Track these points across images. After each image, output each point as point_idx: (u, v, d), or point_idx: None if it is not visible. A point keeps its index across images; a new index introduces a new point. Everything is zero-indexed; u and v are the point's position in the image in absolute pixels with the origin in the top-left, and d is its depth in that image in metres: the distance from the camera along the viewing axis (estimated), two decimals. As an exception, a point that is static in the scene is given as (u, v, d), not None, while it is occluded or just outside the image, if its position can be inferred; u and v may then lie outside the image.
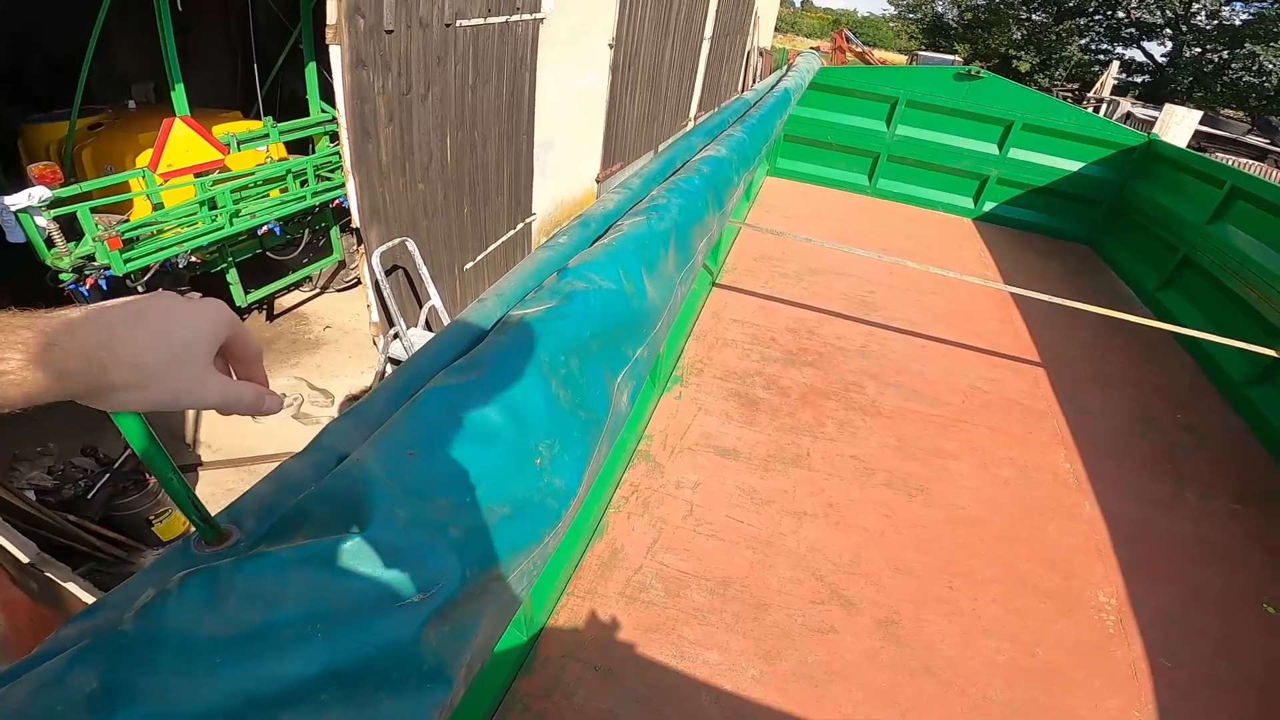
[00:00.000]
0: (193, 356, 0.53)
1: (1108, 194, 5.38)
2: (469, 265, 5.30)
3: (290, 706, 0.55)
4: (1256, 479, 2.73)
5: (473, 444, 0.84)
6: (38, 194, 3.90)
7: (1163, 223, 4.57)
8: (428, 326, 4.72)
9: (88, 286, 4.19)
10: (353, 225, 4.00)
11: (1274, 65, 23.03)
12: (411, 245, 4.39)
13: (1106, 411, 3.03)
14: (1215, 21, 25.66)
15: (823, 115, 5.81)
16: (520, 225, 6.01)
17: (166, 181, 4.72)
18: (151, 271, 4.60)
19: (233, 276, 5.43)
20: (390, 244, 4.21)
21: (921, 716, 1.61)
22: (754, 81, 13.88)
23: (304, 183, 5.65)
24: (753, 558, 1.99)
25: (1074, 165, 5.44)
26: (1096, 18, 28.39)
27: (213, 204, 4.89)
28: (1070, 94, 25.41)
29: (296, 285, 6.40)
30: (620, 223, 1.60)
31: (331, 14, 3.35)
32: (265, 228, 5.29)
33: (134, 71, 6.26)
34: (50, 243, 4.03)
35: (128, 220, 4.54)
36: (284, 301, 6.57)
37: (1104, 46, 29.31)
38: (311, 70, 6.11)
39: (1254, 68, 24.02)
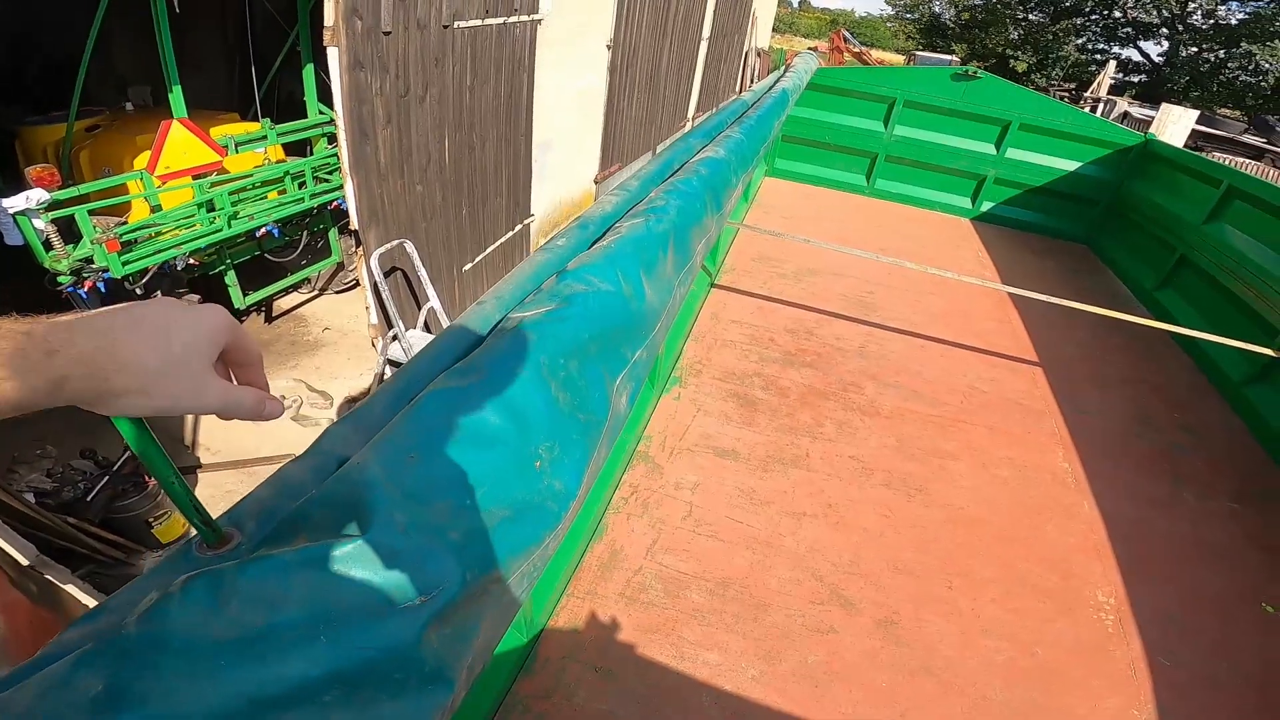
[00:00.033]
0: (193, 362, 0.54)
1: (1105, 194, 5.39)
2: (467, 267, 5.31)
3: (293, 709, 0.55)
4: (1254, 478, 2.74)
5: (472, 447, 0.84)
6: (35, 196, 3.90)
7: (1160, 222, 4.58)
8: (426, 328, 4.72)
9: (86, 289, 4.19)
10: (351, 227, 4.00)
11: (1270, 64, 23.08)
12: (410, 247, 4.39)
13: (1105, 411, 3.03)
14: (1211, 21, 25.71)
15: (820, 116, 5.82)
16: (519, 227, 6.01)
17: (164, 184, 4.71)
18: (150, 274, 4.59)
19: (231, 279, 5.42)
20: (389, 246, 4.21)
21: (921, 716, 1.62)
22: (752, 82, 13.90)
23: (302, 184, 5.65)
24: (752, 558, 1.99)
25: (1071, 165, 5.45)
26: (1093, 17, 28.44)
27: (211, 206, 4.88)
28: (1067, 94, 25.45)
29: (295, 287, 6.39)
30: (619, 225, 1.60)
31: (329, 16, 3.35)
32: (263, 230, 5.29)
33: (131, 73, 6.26)
34: (48, 245, 4.03)
35: (126, 222, 4.54)
36: (282, 303, 6.56)
37: (1101, 46, 29.37)
38: (309, 72, 6.11)
39: (1250, 67, 24.07)
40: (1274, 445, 2.90)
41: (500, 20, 4.75)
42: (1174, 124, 14.10)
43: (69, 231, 4.12)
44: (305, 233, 5.96)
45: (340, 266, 6.71)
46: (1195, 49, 26.18)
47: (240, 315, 5.68)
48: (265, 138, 5.57)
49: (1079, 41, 28.83)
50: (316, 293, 6.78)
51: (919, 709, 1.63)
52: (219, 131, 5.30)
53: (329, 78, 3.58)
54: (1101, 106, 18.65)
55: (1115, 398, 3.15)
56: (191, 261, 4.86)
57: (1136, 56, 29.30)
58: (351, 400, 5.28)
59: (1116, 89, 24.42)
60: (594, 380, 1.11)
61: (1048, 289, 3.52)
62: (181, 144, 4.81)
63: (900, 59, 33.45)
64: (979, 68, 5.52)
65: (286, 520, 0.71)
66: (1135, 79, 29.01)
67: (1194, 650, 1.90)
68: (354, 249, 4.28)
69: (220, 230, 4.93)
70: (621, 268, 1.31)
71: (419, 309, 4.79)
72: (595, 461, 1.07)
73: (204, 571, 0.59)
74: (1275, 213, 3.51)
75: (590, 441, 1.04)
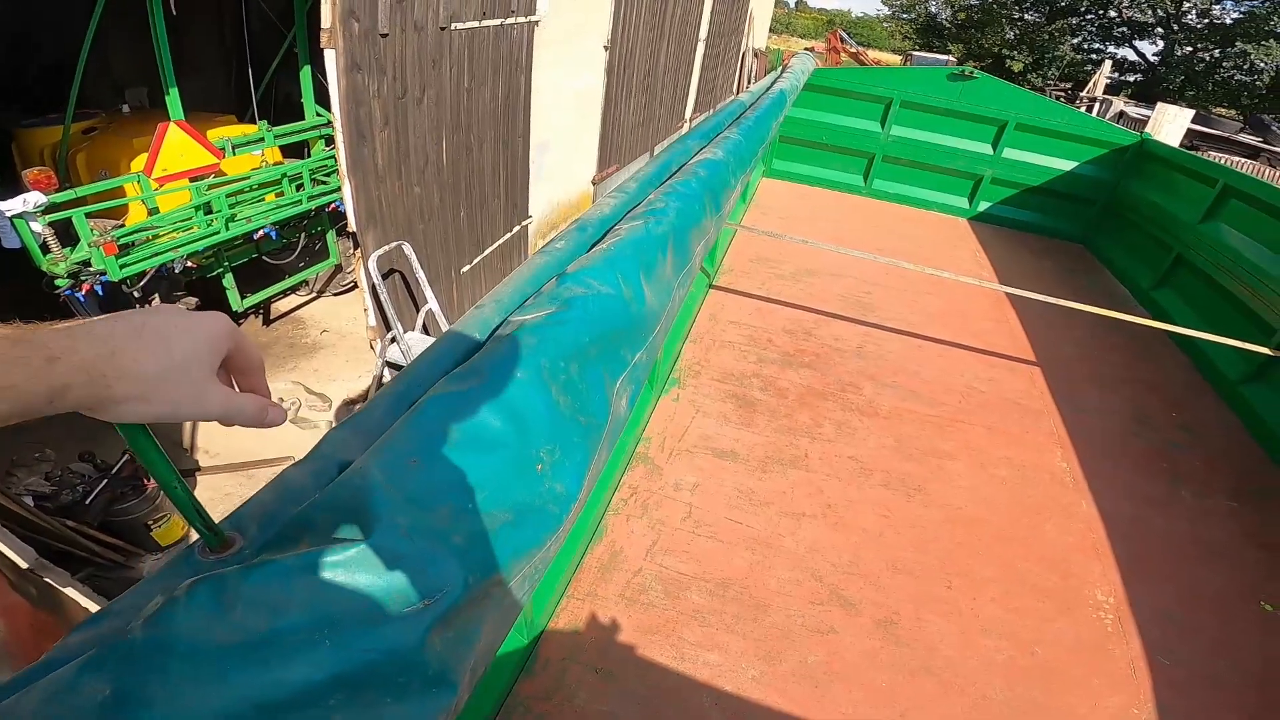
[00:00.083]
0: (194, 368, 0.54)
1: (1101, 193, 5.41)
2: (466, 268, 5.31)
3: (298, 713, 0.55)
4: (1252, 476, 2.75)
5: (474, 451, 0.84)
6: (33, 199, 3.89)
7: (1156, 221, 4.60)
8: (425, 330, 4.72)
9: (83, 292, 4.18)
10: (349, 229, 4.00)
11: (1265, 64, 23.14)
12: (408, 249, 4.39)
13: (1102, 410, 3.04)
14: (1206, 20, 25.78)
15: (818, 116, 5.83)
16: (517, 228, 6.02)
17: (161, 186, 4.71)
18: (147, 276, 4.59)
19: (229, 281, 5.42)
20: (387, 248, 4.21)
21: (922, 716, 1.62)
22: (749, 82, 13.92)
23: (300, 187, 5.65)
24: (752, 559, 2.00)
25: (1068, 165, 5.47)
26: (1088, 17, 28.51)
27: (208, 208, 4.88)
28: (1063, 93, 25.50)
29: (293, 289, 6.39)
30: (618, 227, 1.60)
31: (326, 18, 3.36)
32: (261, 232, 5.28)
33: (128, 75, 6.25)
34: (45, 248, 4.02)
35: (123, 225, 4.53)
36: (280, 306, 6.56)
37: (1096, 46, 29.43)
38: (306, 74, 6.11)
39: (1245, 66, 24.13)
40: (1271, 443, 2.91)
41: (497, 22, 4.76)
42: (1170, 123, 14.13)
43: (66, 234, 4.11)
44: (303, 235, 5.95)
45: (338, 269, 6.70)
46: (1190, 48, 26.24)
47: (238, 318, 5.68)
48: (263, 140, 5.56)
49: (1074, 41, 28.90)
50: (314, 295, 6.78)
51: (919, 709, 1.63)
52: (216, 134, 5.29)
53: (326, 80, 3.58)
54: (1097, 106, 18.69)
55: (1113, 397, 3.16)
56: (189, 264, 4.85)
57: (1132, 56, 29.41)
58: (350, 402, 5.27)
59: (1112, 88, 24.49)
60: (594, 383, 1.11)
61: (1045, 289, 3.53)
62: (179, 146, 4.81)
63: (897, 59, 33.50)
64: (975, 68, 5.53)
65: (289, 525, 0.71)
66: (1131, 78, 29.08)
67: (1193, 649, 1.91)
68: (352, 251, 4.28)
69: (218, 233, 4.93)
70: (621, 270, 1.31)
71: (417, 311, 4.79)
72: (596, 464, 1.07)
73: (208, 576, 0.59)
74: (1271, 212, 3.52)
75: (591, 444, 1.04)
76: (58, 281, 4.11)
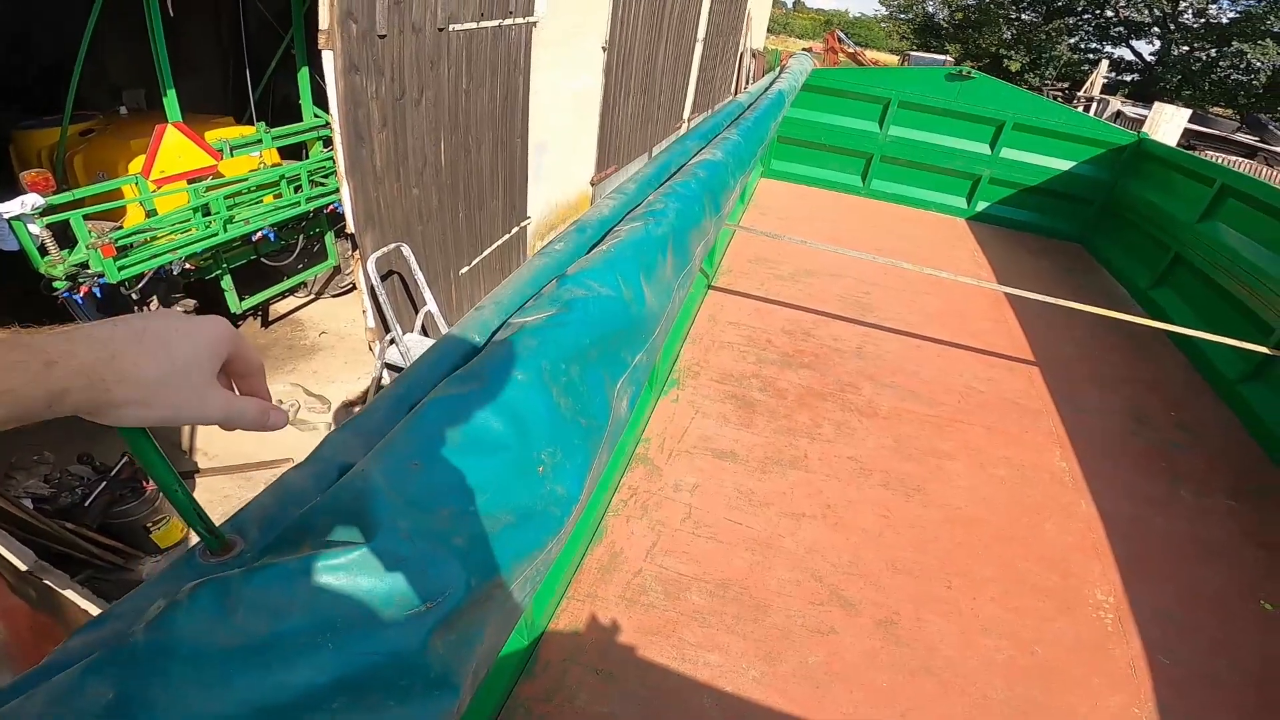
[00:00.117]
0: (194, 372, 0.54)
1: (1099, 193, 5.42)
2: (464, 270, 5.30)
3: (300, 716, 0.56)
4: (1250, 475, 2.75)
5: (475, 454, 0.84)
6: (31, 201, 3.88)
7: (1154, 221, 4.61)
8: (424, 331, 4.72)
9: (82, 294, 4.18)
10: (347, 230, 4.00)
11: (1261, 63, 23.18)
12: (406, 250, 4.39)
13: (1101, 410, 3.05)
14: (1202, 20, 25.82)
15: (816, 117, 5.83)
16: (515, 229, 6.01)
17: (159, 188, 4.70)
18: (146, 278, 4.58)
19: (227, 283, 5.41)
20: (385, 249, 4.21)
21: (922, 716, 1.62)
22: (747, 83, 13.93)
23: (298, 188, 5.64)
24: (752, 559, 2.00)
25: (1065, 164, 5.48)
26: (1085, 17, 28.54)
27: (206, 210, 4.87)
28: (1060, 93, 25.55)
29: (291, 291, 6.38)
30: (617, 229, 1.60)
31: (324, 19, 3.35)
32: (259, 234, 5.27)
33: (125, 77, 6.24)
34: (44, 250, 4.01)
35: (121, 227, 4.52)
36: (279, 308, 6.55)
37: (1093, 45, 29.47)
38: (304, 75, 6.10)
39: (1242, 66, 24.16)
40: (1270, 442, 2.91)
41: (495, 23, 4.76)
42: (1167, 123, 14.14)
43: (64, 236, 4.10)
44: (301, 236, 5.94)
45: (337, 270, 6.69)
46: (1187, 48, 26.29)
47: (236, 320, 5.67)
48: (260, 141, 5.55)
49: (1072, 41, 28.93)
50: (313, 297, 6.77)
51: (920, 709, 1.64)
52: (214, 135, 5.28)
53: (324, 81, 3.58)
54: (1095, 106, 18.71)
55: (1112, 396, 3.17)
56: (187, 266, 4.84)
57: (1129, 55, 29.45)
58: (349, 404, 5.27)
59: (1109, 88, 24.54)
60: (595, 385, 1.11)
61: (1043, 288, 3.53)
62: (176, 148, 4.80)
63: (894, 59, 33.54)
64: (973, 68, 5.54)
65: (290, 528, 0.71)
66: (1128, 78, 29.12)
67: (1193, 648, 1.91)
68: (350, 253, 4.28)
69: (216, 234, 4.92)
70: (621, 272, 1.31)
71: (416, 312, 4.78)
72: (597, 466, 1.07)
73: (210, 580, 0.59)
74: (1269, 211, 3.53)
75: (592, 446, 1.04)
76: (56, 284, 4.10)
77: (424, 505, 0.75)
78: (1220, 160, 11.05)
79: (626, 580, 1.87)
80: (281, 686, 0.55)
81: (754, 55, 15.55)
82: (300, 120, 6.13)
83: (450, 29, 4.27)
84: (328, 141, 5.99)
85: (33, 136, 5.24)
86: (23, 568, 2.29)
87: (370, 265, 4.12)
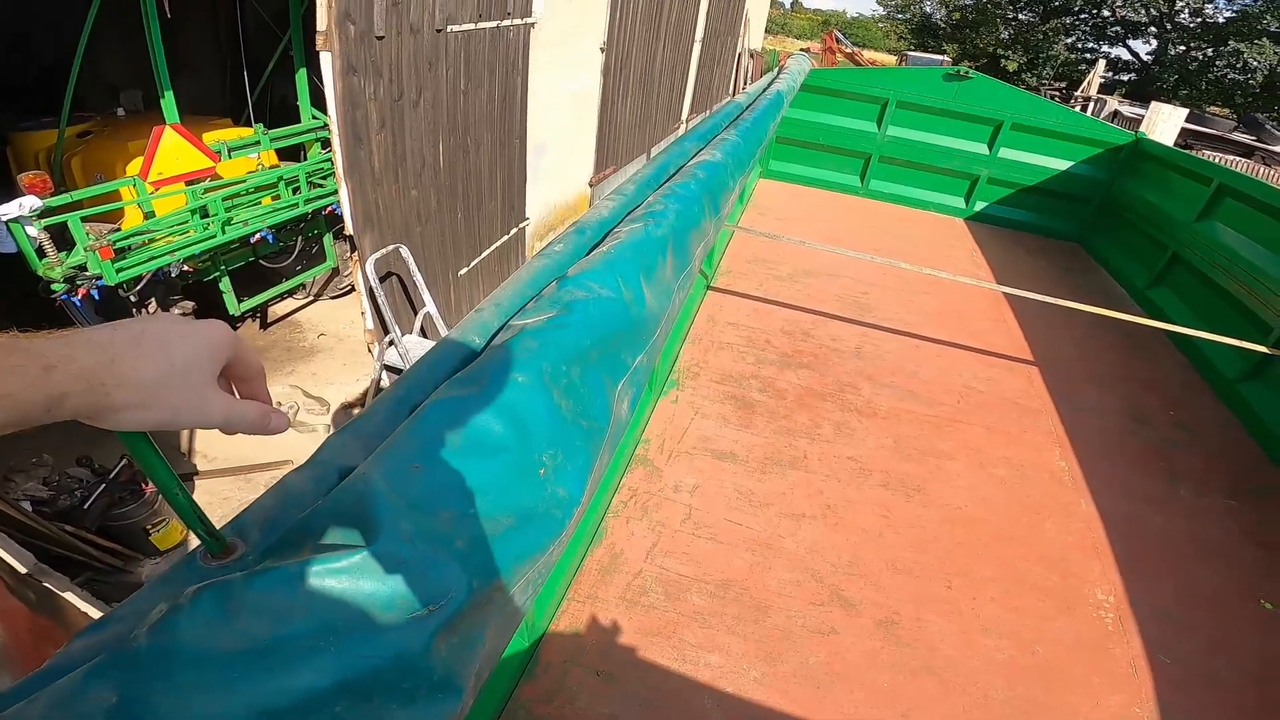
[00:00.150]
0: (194, 375, 0.54)
1: (1097, 192, 5.43)
2: (463, 271, 5.30)
3: (304, 719, 0.55)
4: (1249, 474, 2.76)
5: (476, 456, 0.84)
6: (28, 203, 3.87)
7: (1152, 220, 4.61)
8: (423, 333, 4.72)
9: (80, 296, 4.17)
10: (346, 232, 3.99)
11: (1258, 62, 23.21)
12: (405, 252, 4.39)
13: (1101, 409, 3.05)
14: (1199, 19, 25.86)
15: (814, 117, 5.84)
16: (514, 230, 6.01)
17: (157, 190, 4.69)
18: (144, 281, 4.57)
19: (226, 285, 5.40)
20: (384, 251, 4.21)
21: (924, 716, 1.62)
22: (745, 83, 13.94)
23: (296, 190, 5.63)
24: (752, 560, 2.00)
25: (1063, 164, 5.49)
26: (1082, 16, 28.58)
27: (204, 212, 4.86)
28: (1058, 93, 25.56)
29: (290, 293, 6.37)
30: (617, 230, 1.60)
31: (322, 20, 3.35)
32: (258, 235, 5.26)
33: (122, 78, 6.23)
34: (41, 253, 4.01)
35: (119, 229, 4.52)
36: (277, 309, 6.54)
37: (1090, 45, 29.50)
38: (302, 76, 6.09)
39: (1238, 65, 24.19)
40: (1268, 441, 2.92)
41: (493, 24, 4.76)
42: (1164, 122, 14.17)
43: (62, 239, 4.10)
44: (300, 238, 5.93)
45: (335, 272, 6.69)
46: (1184, 47, 26.32)
47: (235, 321, 5.66)
48: (258, 143, 5.55)
49: (1068, 40, 28.97)
50: (311, 298, 6.76)
51: (921, 709, 1.64)
52: (212, 137, 5.28)
53: (322, 82, 3.57)
54: (1092, 105, 18.74)
55: (1111, 396, 3.17)
56: (186, 268, 4.83)
57: (1126, 55, 29.48)
58: (348, 406, 5.26)
59: (1106, 88, 24.56)
60: (596, 387, 1.11)
61: (1042, 288, 3.54)
62: (174, 150, 4.79)
63: (892, 59, 33.59)
64: (970, 67, 5.55)
65: (292, 531, 0.71)
66: (1125, 78, 29.16)
67: (1194, 647, 1.91)
68: (349, 254, 4.27)
69: (214, 236, 4.91)
70: (621, 273, 1.31)
71: (415, 314, 4.78)
72: (598, 468, 1.07)
73: (213, 583, 0.59)
74: (1266, 210, 3.54)
75: (593, 448, 1.04)
76: (54, 286, 4.09)
77: (425, 508, 0.75)
78: (1217, 159, 11.06)
79: (627, 581, 1.87)
80: (284, 690, 0.55)
81: (752, 56, 15.56)
82: (298, 122, 6.13)
83: (448, 30, 4.27)
84: (326, 143, 5.99)
85: (30, 138, 5.23)
86: (22, 570, 2.29)
87: (369, 267, 4.12)
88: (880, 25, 49.26)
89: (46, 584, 2.28)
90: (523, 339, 1.04)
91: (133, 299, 4.58)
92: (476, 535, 0.78)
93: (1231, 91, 24.92)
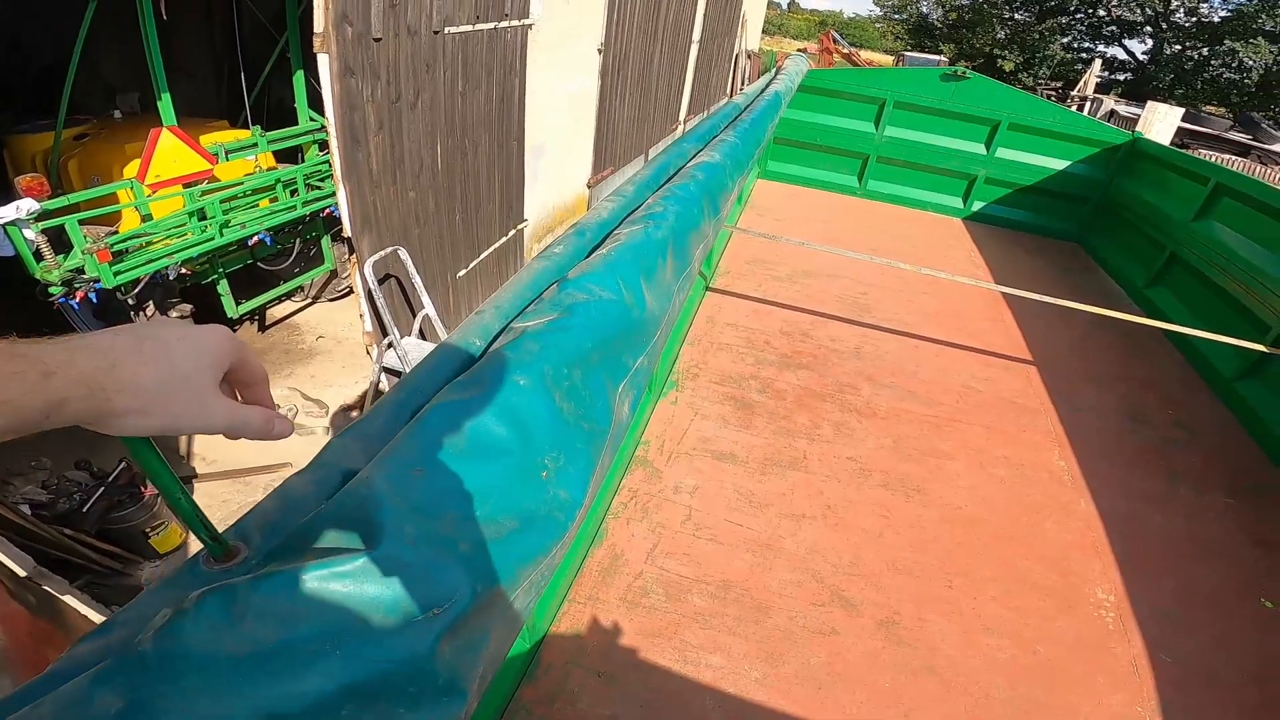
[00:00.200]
0: (196, 380, 0.54)
1: (1094, 192, 5.44)
2: (462, 273, 5.29)
3: (311, 723, 0.55)
4: (1248, 473, 2.76)
5: (479, 459, 0.84)
6: (25, 206, 3.87)
7: (1149, 220, 4.62)
8: (422, 335, 4.71)
9: (77, 300, 4.16)
10: (344, 234, 3.99)
11: (1253, 61, 23.26)
12: (404, 254, 4.38)
13: (1099, 408, 3.05)
14: (1194, 19, 25.92)
15: (812, 118, 5.85)
16: (512, 232, 6.01)
17: (155, 192, 4.68)
18: (141, 283, 4.56)
19: (224, 287, 5.39)
20: (382, 253, 4.20)
21: (925, 716, 1.62)
22: (743, 84, 13.94)
23: (294, 192, 5.62)
24: (752, 561, 2.00)
25: (1060, 164, 5.50)
26: (1078, 16, 28.64)
27: (202, 214, 4.86)
28: (1054, 92, 25.61)
29: (288, 296, 6.36)
30: (617, 232, 1.61)
31: (319, 22, 3.34)
32: (256, 238, 5.26)
33: (119, 81, 6.21)
34: (39, 256, 4.00)
35: (116, 232, 4.51)
36: (276, 312, 6.53)
37: (1086, 45, 29.56)
38: (299, 78, 6.09)
39: (1234, 64, 24.26)
40: (1267, 440, 2.93)
41: (491, 25, 4.75)
42: (1160, 122, 14.19)
43: (59, 241, 4.09)
44: (298, 240, 5.93)
45: (333, 274, 6.68)
46: (1179, 46, 26.39)
47: (233, 324, 5.65)
48: (256, 145, 5.54)
49: (1065, 40, 29.03)
50: (310, 301, 6.75)
51: (923, 709, 1.64)
52: (209, 139, 5.27)
53: (319, 84, 3.56)
54: (1088, 105, 18.78)
55: (1109, 395, 3.18)
56: (184, 271, 4.83)
57: (1122, 55, 29.54)
58: (347, 408, 5.26)
59: (1103, 87, 24.61)
60: (597, 389, 1.11)
61: (1040, 288, 3.54)
62: (171, 152, 4.79)
63: (888, 59, 33.64)
64: (967, 67, 5.56)
65: (295, 534, 0.71)
66: (1121, 77, 29.21)
67: (1194, 646, 1.91)
68: (347, 256, 4.26)
69: (212, 239, 4.90)
70: (622, 275, 1.31)
71: (414, 316, 4.77)
72: (599, 470, 1.07)
73: (217, 587, 0.59)
74: (1263, 209, 3.55)
75: (595, 450, 1.04)
76: (51, 289, 4.08)
77: (429, 511, 0.75)
78: (1214, 159, 11.08)
79: (627, 583, 1.87)
80: (291, 694, 0.55)
81: (749, 57, 15.56)
82: (296, 124, 6.12)
83: (446, 32, 4.27)
84: (323, 145, 5.99)
85: (27, 141, 5.22)
86: (21, 573, 2.29)
87: (367, 269, 4.11)
88: (877, 25, 49.34)
89: (46, 587, 2.28)
90: (524, 342, 1.04)
91: (130, 302, 4.58)
92: (480, 538, 0.78)
93: (1227, 91, 24.98)
